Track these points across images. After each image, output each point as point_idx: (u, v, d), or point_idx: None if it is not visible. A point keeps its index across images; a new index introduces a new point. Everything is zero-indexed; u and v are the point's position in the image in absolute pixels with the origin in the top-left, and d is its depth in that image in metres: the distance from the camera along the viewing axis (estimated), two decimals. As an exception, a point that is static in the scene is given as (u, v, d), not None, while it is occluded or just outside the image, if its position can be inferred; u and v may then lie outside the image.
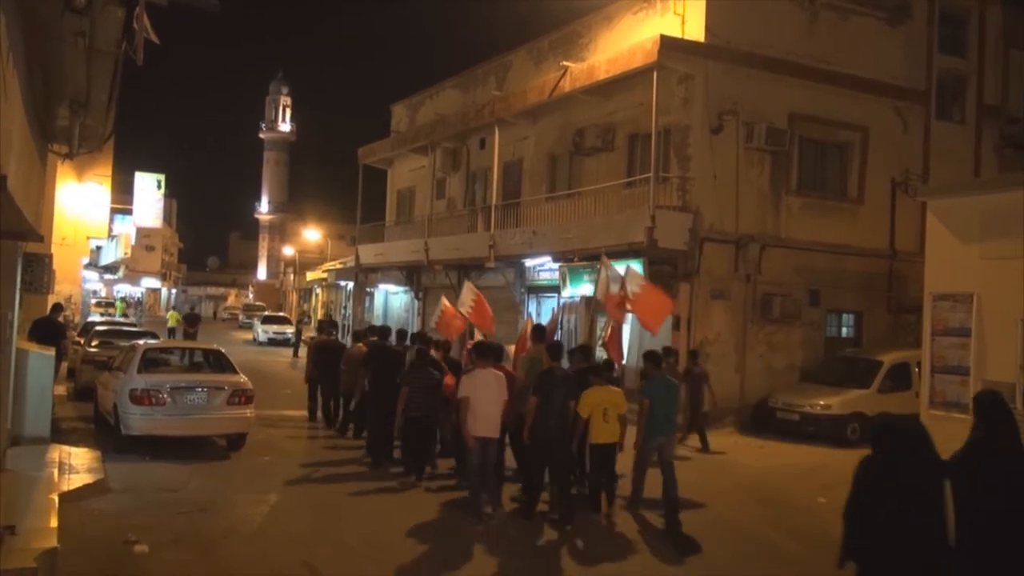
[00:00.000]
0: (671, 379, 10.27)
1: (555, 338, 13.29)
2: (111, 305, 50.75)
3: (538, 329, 11.57)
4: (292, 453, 12.81)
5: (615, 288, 12.14)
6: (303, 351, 26.96)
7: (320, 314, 47.46)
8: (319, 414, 15.53)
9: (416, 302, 28.28)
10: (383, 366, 12.10)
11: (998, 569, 5.05)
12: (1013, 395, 11.56)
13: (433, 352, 12.22)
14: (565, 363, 10.39)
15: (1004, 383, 11.73)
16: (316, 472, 11.50)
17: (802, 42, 18.18)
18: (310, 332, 35.11)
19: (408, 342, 14.26)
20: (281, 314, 49.09)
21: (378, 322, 26.96)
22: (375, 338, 13.87)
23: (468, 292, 14.62)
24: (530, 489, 9.41)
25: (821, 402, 15.73)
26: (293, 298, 63.45)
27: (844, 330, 19.24)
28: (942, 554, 4.92)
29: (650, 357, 10.17)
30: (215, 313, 77.52)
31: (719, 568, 8.13)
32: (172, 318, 39.46)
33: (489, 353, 9.57)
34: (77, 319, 27.90)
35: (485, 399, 9.14)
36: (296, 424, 15.49)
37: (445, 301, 15.13)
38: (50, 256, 14.32)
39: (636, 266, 15.53)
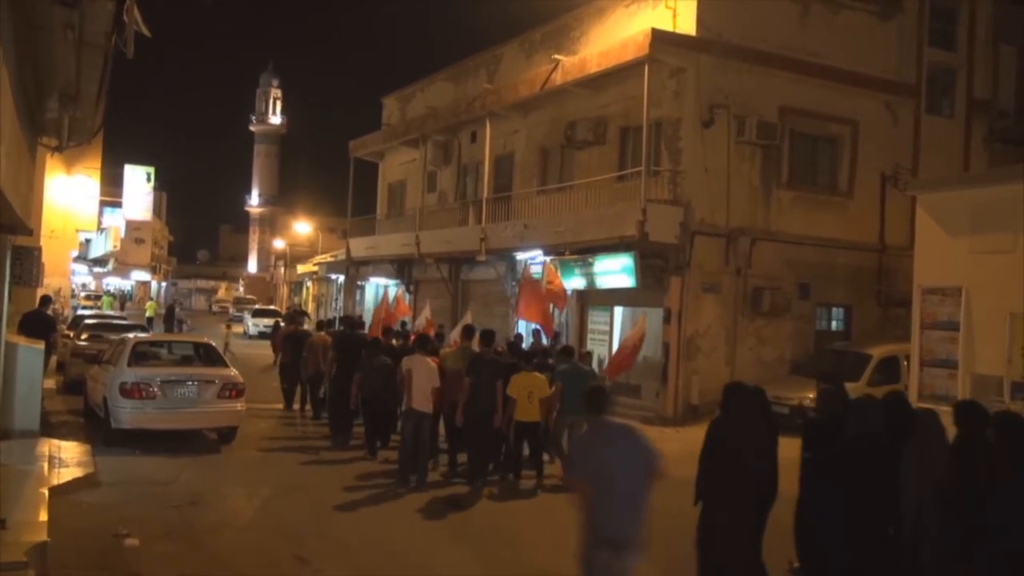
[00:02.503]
0: (582, 366, 11.58)
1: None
2: (99, 298, 50.66)
3: (467, 328, 12.76)
4: (282, 446, 12.81)
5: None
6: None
7: (311, 308, 47.47)
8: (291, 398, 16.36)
9: (407, 295, 28.27)
10: (346, 352, 13.18)
11: (833, 525, 5.95)
12: (1001, 388, 11.63)
13: (395, 341, 13.85)
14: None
15: (992, 376, 11.81)
16: (306, 464, 11.52)
17: (793, 36, 18.20)
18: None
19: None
20: (272, 307, 48.94)
21: (368, 316, 26.95)
22: (342, 327, 15.06)
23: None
24: (474, 458, 10.74)
25: (811, 395, 15.76)
26: (284, 291, 63.25)
27: (834, 323, 19.31)
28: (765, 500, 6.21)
29: (563, 350, 12.04)
30: (210, 307, 77.12)
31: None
32: (150, 308, 42.27)
33: (426, 344, 11.39)
34: (66, 312, 27.85)
35: (419, 378, 10.50)
36: (286, 417, 15.53)
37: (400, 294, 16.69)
38: (39, 249, 14.26)
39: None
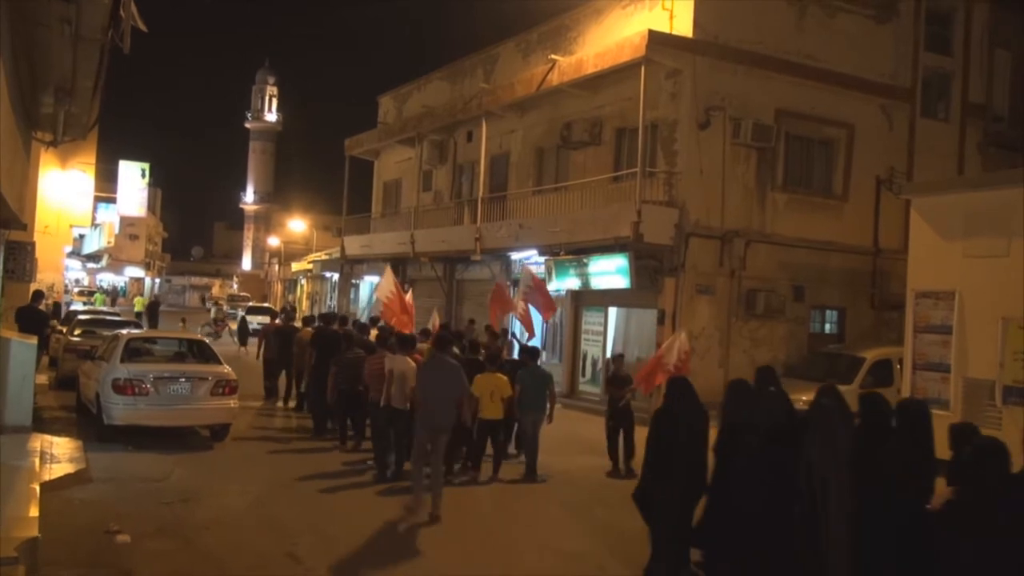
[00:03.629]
0: (542, 369, 12.16)
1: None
2: (92, 294, 50.43)
3: (444, 328, 13.61)
4: (275, 443, 12.79)
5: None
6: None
7: (305, 305, 47.47)
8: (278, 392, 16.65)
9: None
10: (323, 347, 13.64)
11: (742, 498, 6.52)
12: (993, 392, 11.65)
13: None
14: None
15: (984, 380, 11.84)
16: (299, 462, 11.49)
17: (790, 38, 18.24)
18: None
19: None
20: (266, 304, 48.87)
21: (362, 314, 26.96)
22: (320, 323, 15.49)
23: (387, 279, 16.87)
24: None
25: (804, 398, 15.70)
26: (278, 289, 63.17)
27: (828, 326, 19.35)
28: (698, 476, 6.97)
29: (528, 352, 12.41)
30: (204, 301, 76.85)
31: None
32: (139, 303, 43.27)
33: (407, 343, 11.36)
34: (51, 303, 27.78)
35: (400, 378, 10.70)
36: (279, 414, 15.53)
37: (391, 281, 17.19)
38: (33, 244, 14.27)
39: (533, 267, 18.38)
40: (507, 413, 11.35)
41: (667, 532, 7.01)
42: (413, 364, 10.79)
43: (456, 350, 11.76)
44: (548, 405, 11.65)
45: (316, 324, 15.73)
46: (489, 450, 11.46)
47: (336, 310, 32.32)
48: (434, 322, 16.52)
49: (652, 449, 7.16)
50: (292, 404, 15.92)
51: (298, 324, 18.54)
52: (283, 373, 16.59)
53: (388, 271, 17.54)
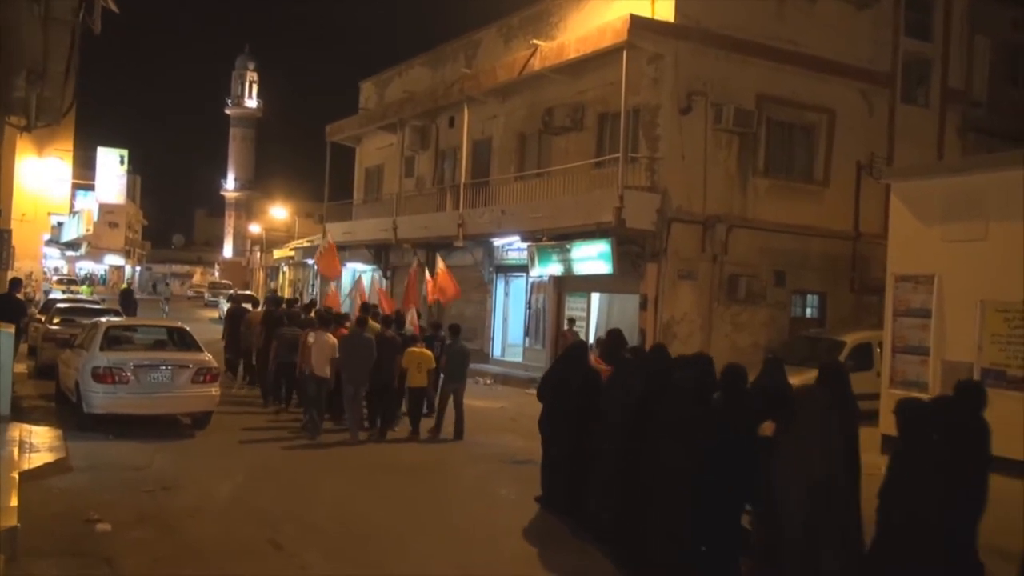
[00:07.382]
0: (464, 345, 13.78)
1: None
2: (73, 283, 49.78)
3: (364, 307, 15.25)
4: (256, 431, 12.73)
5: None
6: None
7: (287, 292, 47.24)
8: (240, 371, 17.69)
9: (384, 280, 28.19)
10: (271, 327, 14.99)
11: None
12: (971, 374, 11.77)
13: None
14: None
15: (963, 363, 11.96)
16: (281, 450, 11.48)
17: (771, 24, 18.24)
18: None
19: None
20: (247, 292, 48.54)
21: (344, 300, 26.82)
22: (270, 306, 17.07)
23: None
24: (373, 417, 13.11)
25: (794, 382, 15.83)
26: (260, 276, 62.76)
27: (808, 311, 19.46)
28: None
29: (452, 330, 13.70)
30: (155, 287, 75.87)
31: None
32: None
33: (327, 321, 13.42)
34: (38, 296, 27.52)
35: (319, 350, 12.47)
36: (260, 402, 15.47)
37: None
38: (9, 232, 14.09)
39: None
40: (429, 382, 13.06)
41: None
42: (333, 340, 12.45)
43: (391, 332, 13.32)
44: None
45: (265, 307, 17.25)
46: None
47: (317, 297, 32.22)
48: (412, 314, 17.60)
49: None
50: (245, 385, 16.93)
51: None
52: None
53: (330, 241, 20.61)
